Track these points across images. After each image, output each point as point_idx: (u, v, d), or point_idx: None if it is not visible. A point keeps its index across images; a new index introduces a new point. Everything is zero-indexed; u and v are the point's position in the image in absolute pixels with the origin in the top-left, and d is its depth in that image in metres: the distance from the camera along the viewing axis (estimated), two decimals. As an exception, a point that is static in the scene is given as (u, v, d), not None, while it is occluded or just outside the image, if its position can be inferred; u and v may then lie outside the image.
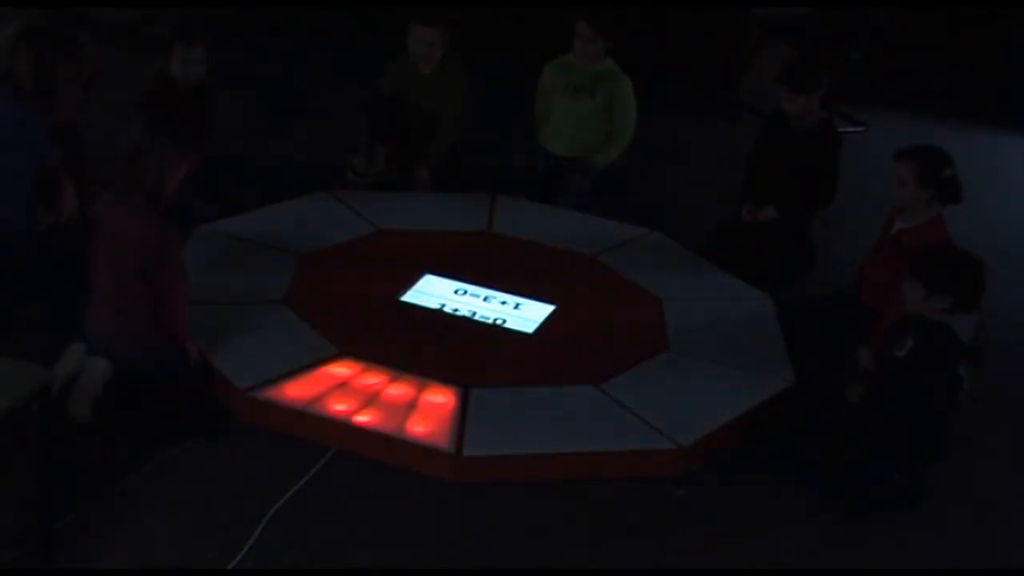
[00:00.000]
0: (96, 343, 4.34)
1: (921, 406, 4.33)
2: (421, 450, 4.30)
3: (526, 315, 5.11)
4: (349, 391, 4.51)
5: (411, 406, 4.46)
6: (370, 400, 4.47)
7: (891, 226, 5.08)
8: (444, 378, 4.61)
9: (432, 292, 5.19)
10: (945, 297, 4.32)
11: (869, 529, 4.33)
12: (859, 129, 7.54)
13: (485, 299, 5.18)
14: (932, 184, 4.88)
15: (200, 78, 5.55)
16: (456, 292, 5.21)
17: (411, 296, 5.16)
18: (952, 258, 4.47)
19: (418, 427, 4.36)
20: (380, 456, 4.33)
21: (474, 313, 5.09)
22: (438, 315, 5.07)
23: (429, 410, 4.45)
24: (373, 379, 4.57)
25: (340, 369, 4.62)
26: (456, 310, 5.10)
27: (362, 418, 4.37)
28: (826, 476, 4.47)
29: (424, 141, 6.07)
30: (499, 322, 5.05)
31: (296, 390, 4.48)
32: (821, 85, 5.63)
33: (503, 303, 5.17)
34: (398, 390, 4.54)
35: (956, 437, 4.50)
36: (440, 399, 4.51)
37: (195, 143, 4.30)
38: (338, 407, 4.42)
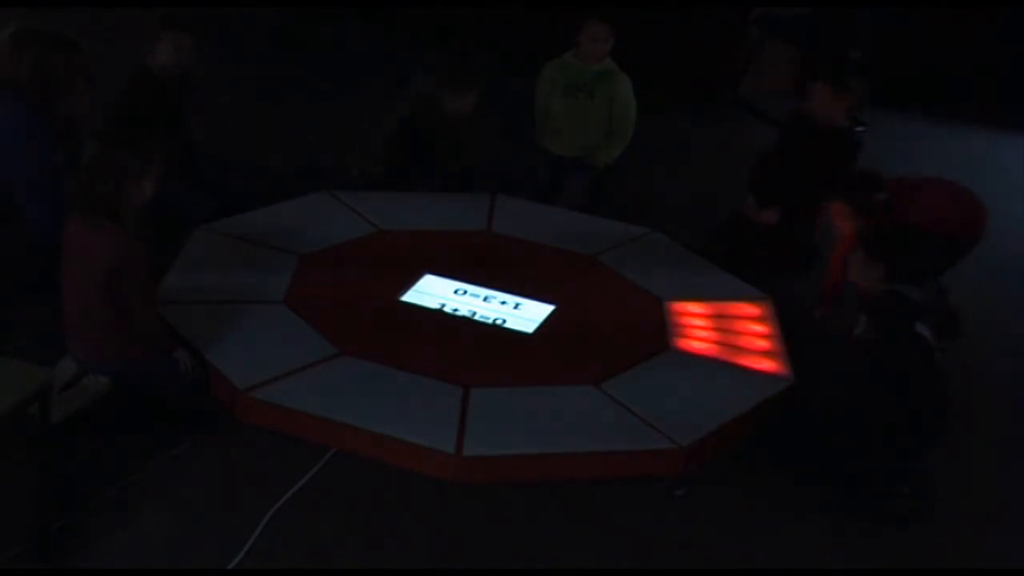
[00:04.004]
0: (80, 363, 4.32)
1: (899, 392, 4.32)
2: (421, 450, 4.31)
3: (526, 315, 5.11)
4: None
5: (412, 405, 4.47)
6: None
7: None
8: (444, 378, 4.62)
9: (432, 292, 5.19)
10: (878, 264, 4.36)
11: (869, 529, 4.33)
12: (859, 129, 7.54)
13: (485, 299, 5.18)
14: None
15: (185, 67, 5.51)
16: (456, 292, 5.21)
17: (411, 296, 5.16)
18: (890, 227, 4.51)
19: (418, 427, 4.37)
20: (380, 456, 4.34)
21: (474, 313, 5.09)
22: (438, 315, 5.07)
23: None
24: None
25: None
26: (456, 310, 5.10)
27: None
28: (826, 476, 4.47)
29: (447, 162, 5.98)
30: (499, 322, 5.05)
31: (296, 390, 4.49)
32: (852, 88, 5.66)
33: (503, 303, 5.17)
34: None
35: (956, 436, 4.50)
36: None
37: (155, 156, 4.19)
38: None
